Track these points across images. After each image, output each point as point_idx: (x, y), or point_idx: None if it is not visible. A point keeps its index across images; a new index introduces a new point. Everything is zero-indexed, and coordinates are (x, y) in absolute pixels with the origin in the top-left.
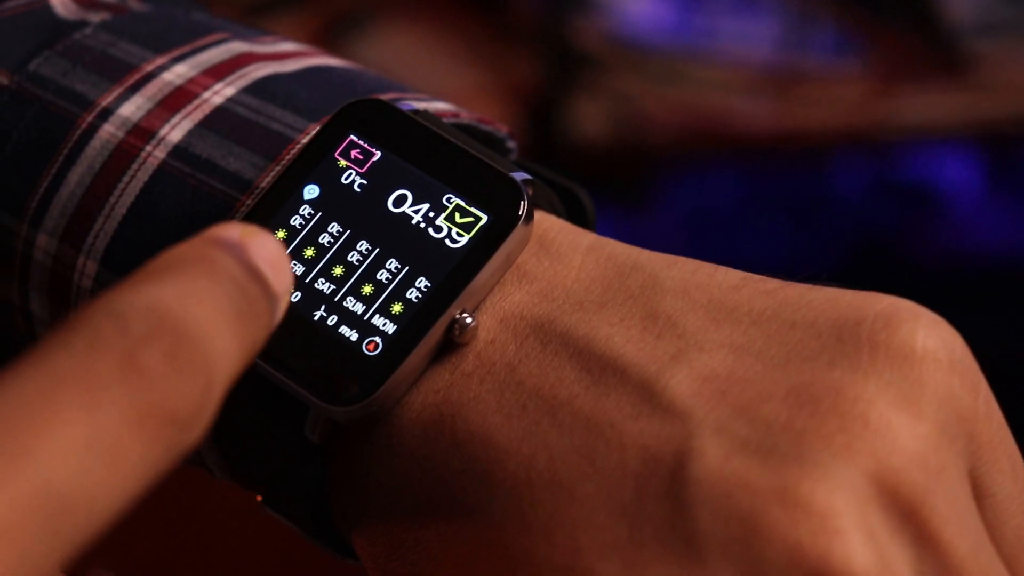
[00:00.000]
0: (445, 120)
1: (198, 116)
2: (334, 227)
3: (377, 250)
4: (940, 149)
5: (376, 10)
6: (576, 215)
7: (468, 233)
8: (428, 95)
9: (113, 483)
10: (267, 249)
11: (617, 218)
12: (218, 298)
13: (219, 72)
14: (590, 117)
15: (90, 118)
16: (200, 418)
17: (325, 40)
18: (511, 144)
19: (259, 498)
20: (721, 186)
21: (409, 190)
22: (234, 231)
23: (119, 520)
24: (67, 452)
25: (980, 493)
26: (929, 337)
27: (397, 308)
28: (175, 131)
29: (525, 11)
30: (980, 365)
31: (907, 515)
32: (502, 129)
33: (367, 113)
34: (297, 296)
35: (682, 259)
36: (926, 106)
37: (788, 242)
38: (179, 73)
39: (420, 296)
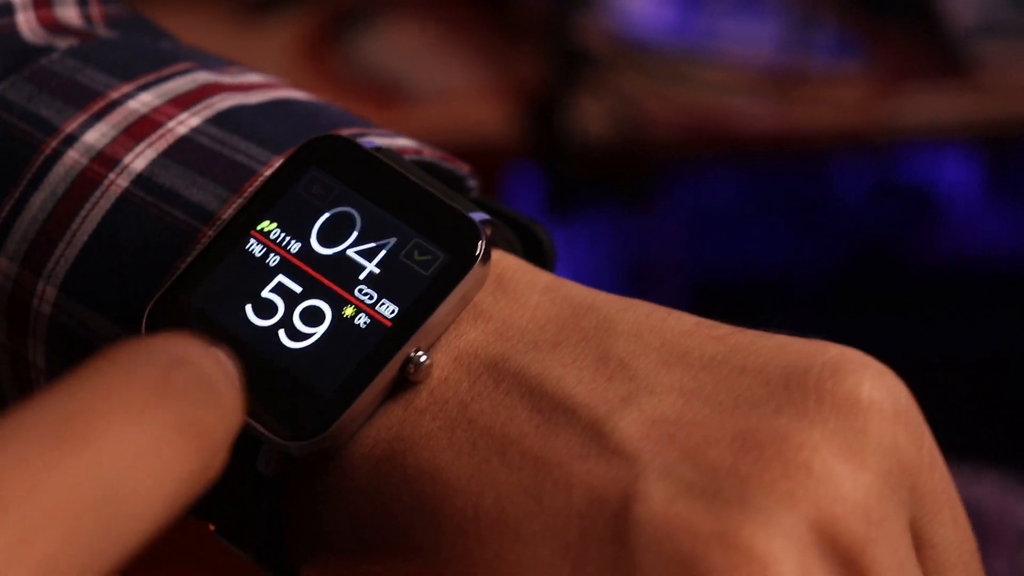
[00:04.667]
0: (407, 157)
1: (162, 145)
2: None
3: None
4: (941, 151)
5: (380, 7)
6: (535, 253)
7: (425, 271)
8: (391, 131)
9: (158, 490)
10: (222, 353)
11: (619, 217)
12: (215, 363)
13: (184, 102)
14: (593, 116)
15: (54, 144)
16: (224, 443)
17: (329, 37)
18: (472, 183)
19: (212, 527)
20: (722, 186)
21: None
22: (187, 335)
23: (158, 536)
24: (115, 453)
25: (921, 543)
26: (875, 388)
27: (352, 344)
28: (139, 160)
29: (529, 10)
30: (978, 364)
31: (847, 563)
32: (463, 167)
33: (330, 149)
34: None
35: (637, 302)
36: (927, 108)
37: (788, 242)
38: (144, 102)
39: (375, 333)
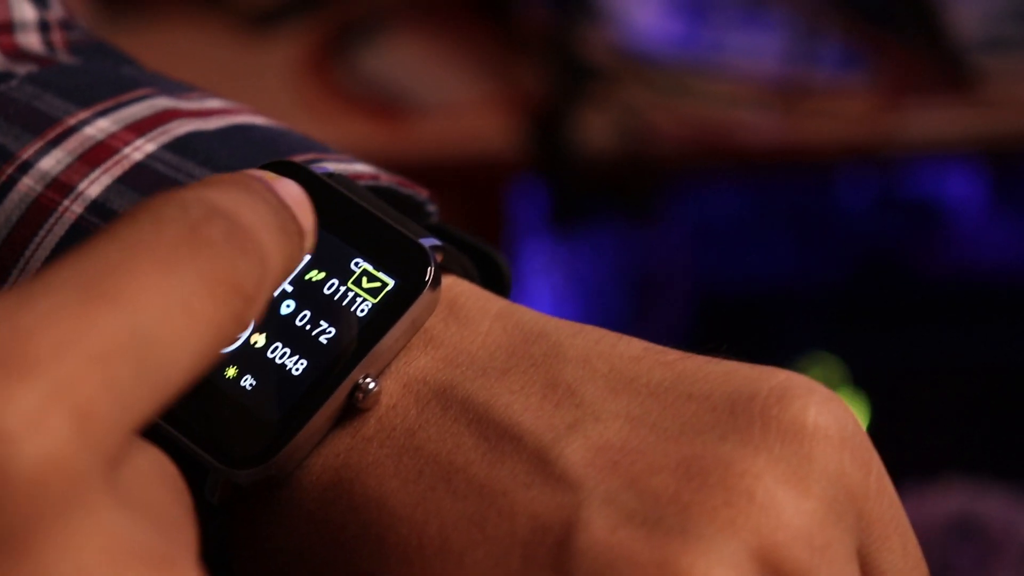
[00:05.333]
0: (363, 182)
1: (117, 172)
2: None
3: None
4: (945, 164)
5: (385, 20)
6: (493, 280)
7: (374, 298)
8: (349, 156)
9: (191, 338)
10: (291, 188)
11: (623, 230)
12: (260, 209)
13: (141, 128)
14: (597, 129)
15: (9, 171)
16: (259, 295)
17: (333, 50)
18: (431, 208)
19: None
20: (727, 199)
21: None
22: (260, 173)
23: (193, 382)
24: (149, 303)
25: (869, 570)
26: (820, 414)
27: (300, 371)
28: (94, 186)
29: (533, 22)
30: (983, 378)
31: None
32: (422, 193)
33: (280, 175)
34: None
35: (589, 328)
36: (931, 121)
37: (793, 254)
38: (101, 128)
39: (323, 359)
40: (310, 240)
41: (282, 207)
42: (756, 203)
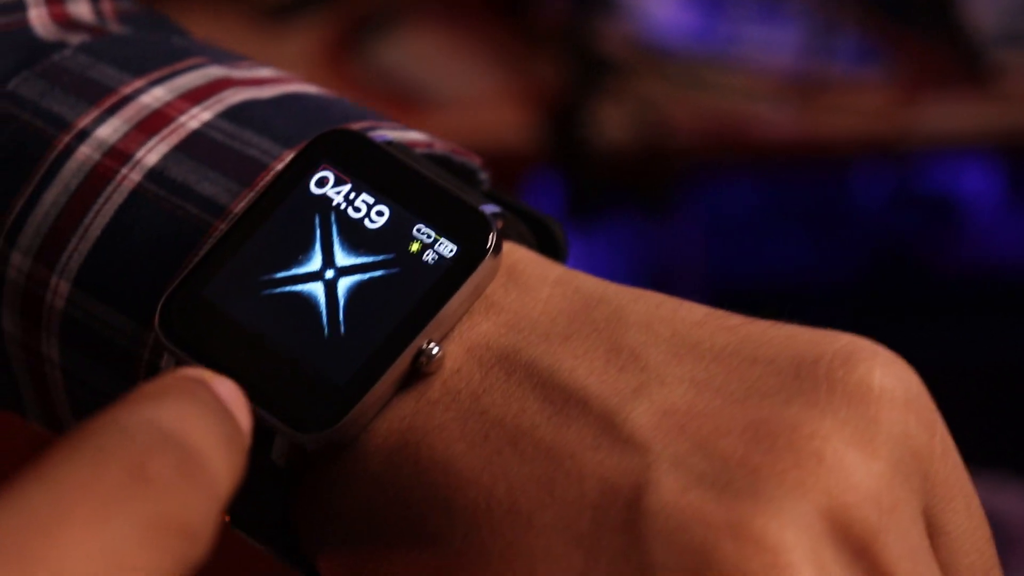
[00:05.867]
0: (418, 150)
1: (174, 140)
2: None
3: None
4: (962, 159)
5: (400, 13)
6: (548, 246)
7: (437, 264)
8: (402, 124)
9: None
10: (229, 388)
11: (639, 223)
12: (208, 422)
13: (196, 96)
14: (613, 121)
15: (67, 139)
16: (207, 531)
17: (349, 43)
18: (483, 175)
19: (227, 518)
20: (742, 192)
21: None
22: (196, 371)
23: None
24: (78, 566)
25: (934, 530)
26: (886, 376)
27: (365, 336)
28: (151, 154)
29: (550, 15)
30: (1000, 373)
31: (860, 551)
32: (475, 160)
33: (340, 143)
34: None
35: (648, 293)
36: (949, 116)
37: (808, 249)
38: (156, 96)
39: (388, 325)
40: (248, 441)
41: (226, 414)
42: (772, 197)
